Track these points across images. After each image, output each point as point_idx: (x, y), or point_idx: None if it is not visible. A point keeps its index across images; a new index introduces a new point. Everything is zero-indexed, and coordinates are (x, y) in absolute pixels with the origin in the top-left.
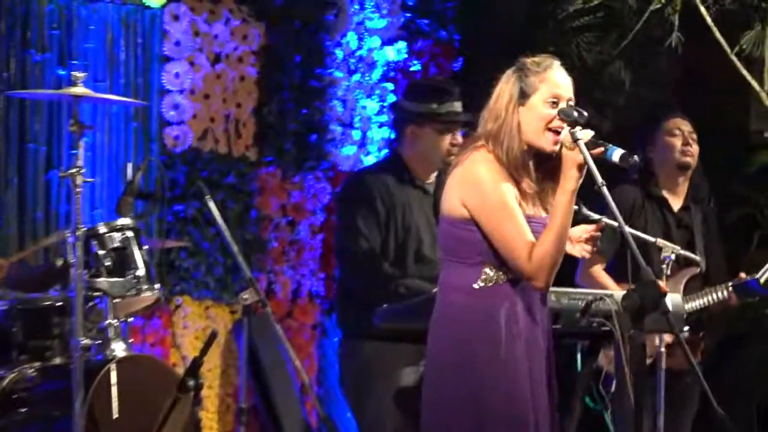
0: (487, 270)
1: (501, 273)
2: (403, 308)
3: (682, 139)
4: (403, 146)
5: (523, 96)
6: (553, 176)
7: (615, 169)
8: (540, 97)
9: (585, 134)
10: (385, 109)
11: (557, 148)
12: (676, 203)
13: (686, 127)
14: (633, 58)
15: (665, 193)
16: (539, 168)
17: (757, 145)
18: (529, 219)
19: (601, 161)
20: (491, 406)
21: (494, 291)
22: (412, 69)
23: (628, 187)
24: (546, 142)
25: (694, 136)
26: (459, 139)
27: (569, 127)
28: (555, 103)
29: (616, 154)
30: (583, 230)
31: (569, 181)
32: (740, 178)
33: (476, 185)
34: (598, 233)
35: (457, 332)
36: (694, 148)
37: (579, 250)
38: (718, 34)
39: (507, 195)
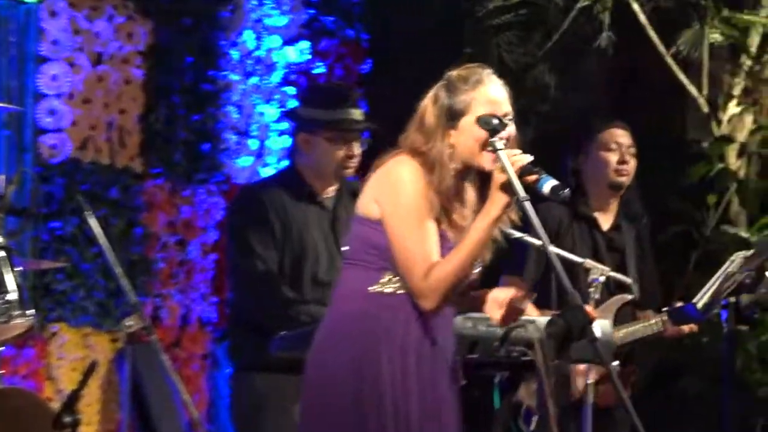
0: (388, 276)
1: (401, 283)
2: (302, 335)
3: (618, 154)
4: (298, 156)
5: (453, 118)
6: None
7: None
8: (473, 117)
9: (523, 158)
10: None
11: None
12: (606, 222)
13: (625, 139)
14: (559, 61)
15: (594, 212)
16: (483, 187)
17: (695, 155)
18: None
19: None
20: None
21: (391, 299)
22: (315, 71)
23: (554, 205)
24: (486, 161)
25: (633, 150)
26: (356, 150)
27: (488, 137)
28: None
29: (548, 185)
30: (508, 295)
31: (494, 205)
32: (677, 192)
33: (394, 185)
34: (524, 298)
35: (344, 348)
36: (631, 165)
37: (500, 318)
38: (652, 34)
39: (423, 206)
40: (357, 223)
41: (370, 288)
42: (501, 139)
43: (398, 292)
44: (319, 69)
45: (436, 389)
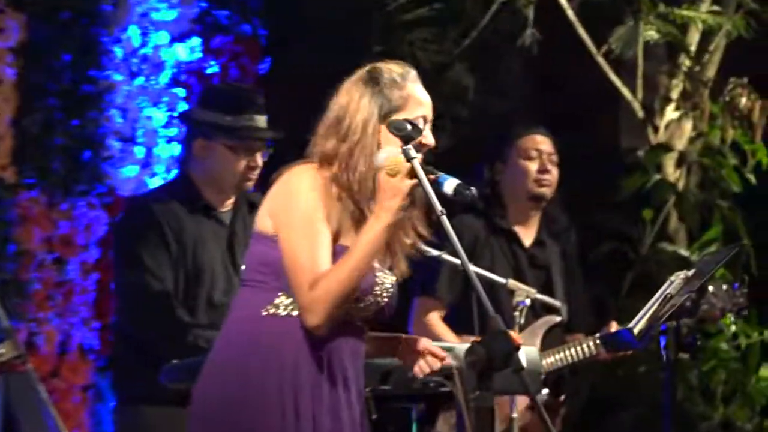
0: (282, 297)
1: (295, 304)
2: (196, 364)
3: (539, 162)
4: (192, 165)
5: (388, 115)
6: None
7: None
8: (406, 115)
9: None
10: (175, 121)
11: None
12: (527, 237)
13: (546, 146)
14: (478, 60)
15: (514, 226)
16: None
17: (630, 165)
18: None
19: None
20: None
21: (285, 322)
22: (208, 71)
23: (470, 219)
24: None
25: (555, 158)
26: (259, 161)
27: (402, 144)
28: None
29: (449, 184)
30: (428, 347)
31: (386, 212)
32: (609, 206)
33: (288, 195)
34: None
35: (229, 382)
36: (553, 175)
37: (416, 367)
38: (581, 32)
39: (318, 215)
40: (253, 239)
41: (263, 311)
42: (422, 145)
43: (293, 313)
44: (212, 69)
45: (337, 427)
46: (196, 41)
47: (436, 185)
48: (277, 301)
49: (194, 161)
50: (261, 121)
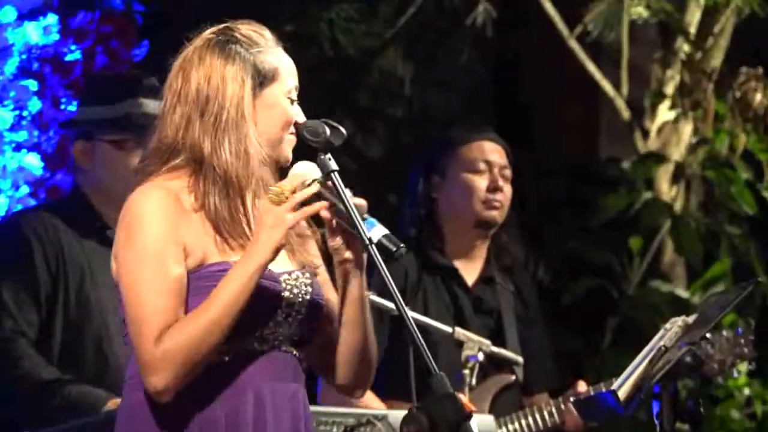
0: None
1: None
2: None
3: (488, 177)
4: (78, 176)
5: (262, 84)
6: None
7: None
8: (281, 86)
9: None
10: (25, 121)
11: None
12: (471, 274)
13: (497, 156)
14: (417, 45)
15: (455, 260)
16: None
17: (611, 181)
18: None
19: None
20: None
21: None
22: (67, 58)
23: None
24: (286, 151)
25: (509, 172)
26: None
27: (321, 153)
28: (292, 102)
29: (375, 233)
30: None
31: (261, 249)
32: (586, 232)
33: (127, 230)
34: None
35: None
36: (506, 194)
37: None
38: (548, 7)
39: (167, 248)
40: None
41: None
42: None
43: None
44: (73, 54)
45: None
46: (51, 19)
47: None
48: None
49: (79, 171)
50: (151, 105)
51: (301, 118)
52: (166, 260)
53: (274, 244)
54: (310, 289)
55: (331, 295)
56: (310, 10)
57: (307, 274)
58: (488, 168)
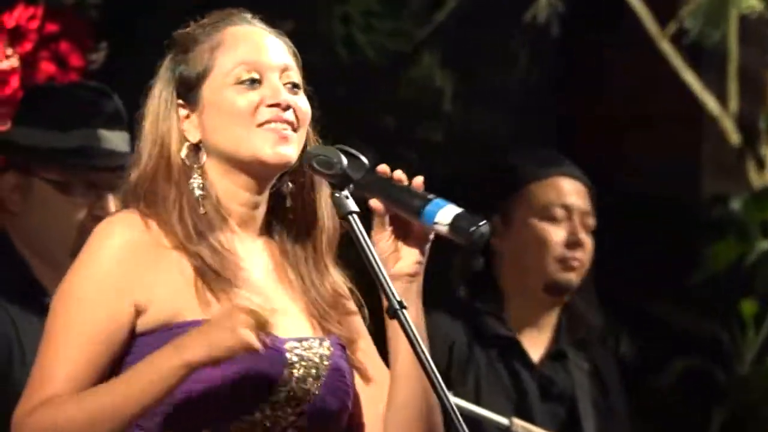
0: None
1: None
2: None
3: (566, 228)
4: (5, 217)
5: (188, 88)
6: (305, 231)
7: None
8: (220, 78)
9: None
10: None
11: (288, 153)
12: (537, 347)
13: (578, 200)
14: (459, 50)
15: (518, 329)
16: (284, 219)
17: (716, 224)
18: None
19: None
20: None
21: None
22: (1, 66)
23: (443, 320)
24: (263, 142)
25: (591, 220)
26: (110, 206)
27: (332, 189)
28: (253, 82)
29: (446, 213)
30: None
31: (204, 345)
32: (682, 294)
33: (78, 258)
34: None
35: None
36: (587, 248)
37: None
38: (636, 4)
39: (106, 288)
40: None
41: None
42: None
43: None
44: (8, 61)
45: None
46: None
47: (418, 217)
48: None
49: (6, 213)
50: (113, 138)
51: (276, 95)
52: (100, 309)
53: (216, 352)
54: (327, 363)
55: (376, 372)
56: (318, 2)
57: (327, 343)
58: (567, 215)
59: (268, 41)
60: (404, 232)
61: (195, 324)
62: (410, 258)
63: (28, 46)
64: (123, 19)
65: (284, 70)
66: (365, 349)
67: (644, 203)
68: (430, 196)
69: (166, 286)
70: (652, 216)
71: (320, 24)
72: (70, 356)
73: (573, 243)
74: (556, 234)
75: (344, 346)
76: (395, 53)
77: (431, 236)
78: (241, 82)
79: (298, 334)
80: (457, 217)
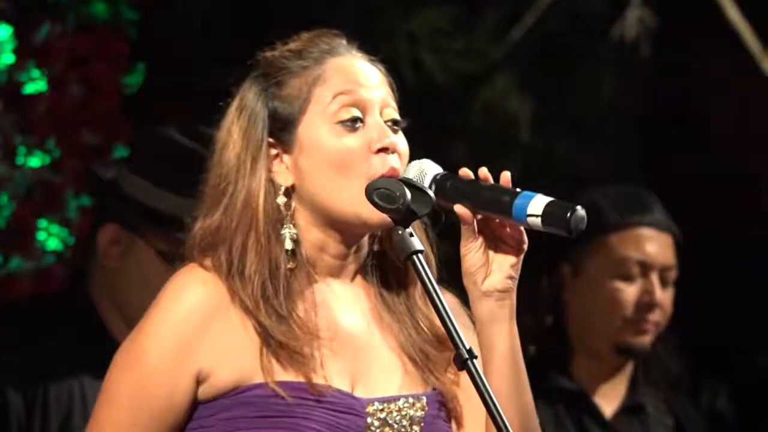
0: None
1: None
2: None
3: (641, 286)
4: (93, 275)
5: (281, 127)
6: (404, 286)
7: None
8: (320, 116)
9: (420, 173)
10: None
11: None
12: (610, 401)
13: (658, 252)
14: (537, 69)
15: (588, 383)
16: (388, 275)
17: None
18: (306, 392)
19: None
20: None
21: None
22: (28, 88)
23: None
24: (367, 208)
25: (673, 274)
26: None
27: (395, 226)
28: (355, 121)
29: (537, 204)
30: None
31: None
32: None
33: (141, 324)
34: None
35: None
36: (664, 309)
37: None
38: (734, 17)
39: (165, 354)
40: None
41: None
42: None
43: None
44: (36, 83)
45: None
46: (3, 32)
47: (510, 213)
48: None
49: (95, 264)
50: None
51: (382, 137)
52: (155, 386)
53: None
54: (416, 428)
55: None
56: (381, 20)
57: (423, 401)
58: (643, 271)
59: (370, 72)
60: (495, 240)
61: (259, 389)
62: (502, 272)
63: (57, 67)
64: (162, 39)
65: (384, 105)
66: (467, 396)
67: (736, 243)
68: (518, 189)
69: (231, 352)
70: (744, 257)
71: (385, 43)
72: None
73: (647, 304)
74: (630, 293)
75: (445, 401)
76: (466, 76)
77: (525, 245)
78: (342, 122)
79: (387, 392)
80: (550, 205)
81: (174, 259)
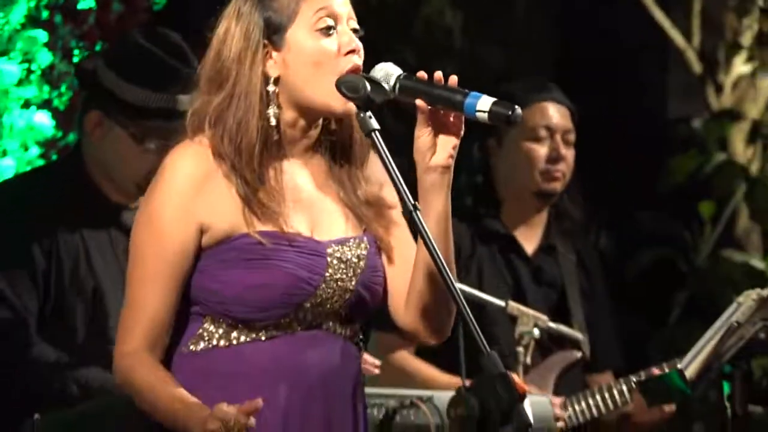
0: (206, 325)
1: (231, 329)
2: (69, 419)
3: (549, 145)
4: (85, 144)
5: (274, 31)
6: (347, 160)
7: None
8: (304, 24)
9: (386, 74)
10: (34, 76)
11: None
12: (530, 242)
13: (561, 120)
14: None
15: (512, 228)
16: (335, 149)
17: (681, 141)
18: (281, 239)
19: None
20: None
21: (217, 358)
22: (79, 6)
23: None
24: (335, 99)
25: (572, 136)
26: None
27: (357, 110)
28: (329, 29)
29: (484, 102)
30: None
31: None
32: (651, 198)
33: (153, 185)
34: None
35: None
36: (568, 163)
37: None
38: None
39: (172, 213)
40: None
41: (184, 347)
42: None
43: (221, 343)
44: (87, 2)
45: None
46: None
47: (461, 107)
48: (200, 332)
49: (86, 141)
50: (185, 102)
51: (351, 42)
52: (168, 239)
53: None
54: (363, 264)
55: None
56: None
57: (365, 243)
58: (550, 134)
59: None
60: (440, 127)
61: (243, 239)
62: (445, 152)
63: None
64: None
65: (349, 17)
66: (400, 236)
67: (622, 122)
68: (466, 90)
69: (222, 209)
70: (627, 133)
71: None
72: (150, 285)
73: (554, 158)
74: (541, 151)
75: (377, 243)
76: None
77: (462, 130)
78: (320, 29)
79: (339, 235)
80: (495, 104)
81: (144, 140)
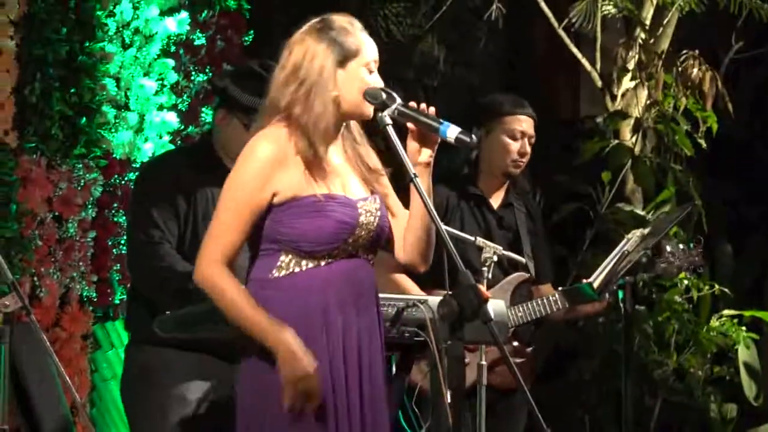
0: (282, 257)
1: (301, 259)
2: (187, 316)
3: (521, 144)
4: (214, 132)
5: (345, 56)
6: (358, 143)
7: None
8: (360, 61)
9: (391, 109)
10: (166, 89)
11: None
12: (496, 200)
13: (530, 129)
14: (448, 34)
15: (485, 191)
16: (350, 138)
17: (589, 131)
18: (330, 198)
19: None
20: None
21: (294, 280)
22: (196, 43)
23: (441, 188)
24: (367, 108)
25: (533, 140)
26: None
27: (376, 112)
28: (372, 71)
29: (451, 131)
30: None
31: (278, 347)
32: (570, 169)
33: (239, 161)
34: None
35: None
36: (528, 155)
37: None
38: (544, 6)
39: (253, 182)
40: None
41: (269, 275)
42: (394, 113)
43: (296, 270)
44: (200, 40)
45: (364, 353)
46: (184, 14)
47: (437, 132)
48: (279, 264)
49: (215, 129)
50: None
51: (380, 83)
52: (249, 196)
53: (287, 371)
54: (379, 213)
55: (398, 209)
56: (370, 7)
57: (377, 199)
58: (522, 137)
59: (374, 47)
60: (423, 140)
61: (306, 198)
62: (425, 155)
63: (210, 32)
64: (263, 18)
65: (377, 62)
66: (392, 196)
67: (553, 121)
68: (442, 120)
69: (292, 179)
70: (556, 128)
71: (371, 20)
72: (233, 221)
73: (522, 153)
74: (514, 146)
75: (383, 201)
76: (412, 36)
77: (438, 143)
78: (370, 71)
79: (362, 195)
80: (460, 133)
81: (249, 128)
